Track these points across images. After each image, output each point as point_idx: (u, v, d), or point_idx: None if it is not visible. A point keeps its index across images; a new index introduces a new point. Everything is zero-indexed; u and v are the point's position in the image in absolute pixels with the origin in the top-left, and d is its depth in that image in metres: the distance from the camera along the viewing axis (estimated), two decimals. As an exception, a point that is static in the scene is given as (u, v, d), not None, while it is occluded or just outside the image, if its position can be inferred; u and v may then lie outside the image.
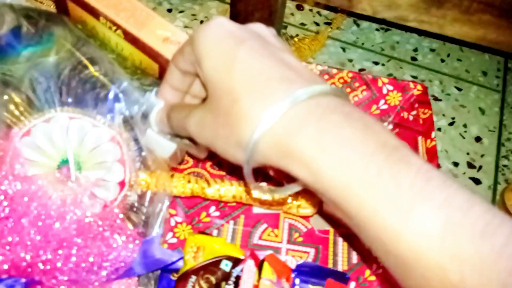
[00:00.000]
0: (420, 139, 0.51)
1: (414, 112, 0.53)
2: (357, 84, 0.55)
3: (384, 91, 0.55)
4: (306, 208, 0.49)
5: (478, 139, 0.63)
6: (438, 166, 0.47)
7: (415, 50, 0.72)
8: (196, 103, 0.36)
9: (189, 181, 0.48)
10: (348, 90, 0.55)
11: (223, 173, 0.53)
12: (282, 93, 0.25)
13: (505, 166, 0.61)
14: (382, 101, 0.55)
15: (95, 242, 0.37)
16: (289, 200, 0.49)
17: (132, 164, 0.42)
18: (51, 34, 0.44)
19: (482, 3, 0.49)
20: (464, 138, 0.63)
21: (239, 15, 0.61)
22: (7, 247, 0.35)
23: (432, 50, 0.72)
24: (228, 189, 0.49)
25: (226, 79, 0.27)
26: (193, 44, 0.29)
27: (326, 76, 0.55)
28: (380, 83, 0.54)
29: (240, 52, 0.27)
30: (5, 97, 0.39)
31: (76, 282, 0.36)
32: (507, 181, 0.59)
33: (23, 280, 0.35)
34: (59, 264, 0.35)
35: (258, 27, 0.30)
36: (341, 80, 0.55)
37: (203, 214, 0.50)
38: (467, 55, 0.72)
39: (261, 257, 0.45)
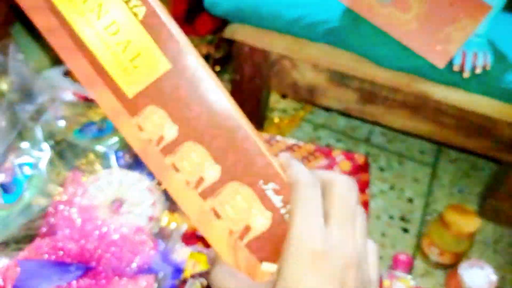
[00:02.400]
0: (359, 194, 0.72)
1: (358, 176, 0.75)
2: (317, 154, 0.77)
3: (338, 160, 0.77)
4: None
5: (410, 200, 0.84)
6: (367, 210, 0.68)
7: (370, 132, 0.95)
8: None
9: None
10: (312, 157, 0.77)
11: None
12: None
13: (429, 220, 0.81)
14: (336, 167, 0.77)
15: (131, 247, 0.58)
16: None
17: (160, 206, 0.65)
18: (109, 124, 0.71)
19: (399, 102, 0.72)
20: (400, 199, 0.84)
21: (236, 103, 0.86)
22: (78, 243, 0.56)
23: (382, 133, 0.95)
24: None
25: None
26: None
27: (296, 147, 0.77)
28: (334, 154, 0.77)
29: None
30: (89, 157, 0.65)
31: (117, 270, 0.57)
32: (428, 231, 0.79)
33: (85, 265, 0.55)
34: (108, 256, 0.56)
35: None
36: (306, 151, 0.77)
37: (200, 243, 0.71)
38: (409, 139, 0.95)
39: None
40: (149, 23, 0.31)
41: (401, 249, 0.75)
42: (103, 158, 0.70)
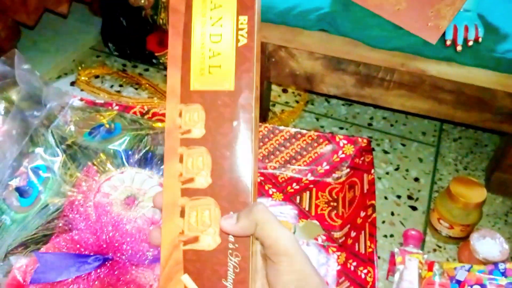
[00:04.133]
0: (365, 175, 0.73)
1: (362, 158, 0.76)
2: (321, 140, 0.79)
3: (341, 144, 0.78)
4: None
5: (416, 179, 0.85)
6: (374, 191, 0.69)
7: (371, 118, 0.96)
8: None
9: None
10: (315, 144, 0.79)
11: None
12: None
13: (436, 197, 0.82)
14: (340, 152, 0.79)
15: (145, 239, 0.60)
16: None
17: None
18: (118, 125, 0.73)
19: (396, 82, 0.74)
20: (406, 179, 0.85)
21: (238, 97, 0.87)
22: (94, 235, 0.58)
23: (384, 118, 0.96)
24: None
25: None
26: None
27: (299, 135, 0.79)
28: (337, 139, 0.78)
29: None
30: (101, 158, 0.68)
31: (133, 259, 0.58)
32: (436, 208, 0.80)
33: (102, 256, 0.57)
34: (125, 247, 0.58)
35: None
36: (310, 138, 0.79)
37: None
38: (411, 120, 0.96)
39: None
40: (242, 53, 0.38)
41: (411, 227, 0.76)
42: (114, 157, 0.73)
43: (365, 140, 0.78)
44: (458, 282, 0.67)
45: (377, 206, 0.71)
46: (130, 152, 0.72)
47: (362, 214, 0.69)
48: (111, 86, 0.99)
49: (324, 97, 1.00)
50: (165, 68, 1.02)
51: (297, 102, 0.99)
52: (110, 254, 0.58)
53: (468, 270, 0.67)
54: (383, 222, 0.78)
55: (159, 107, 0.91)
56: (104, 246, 0.57)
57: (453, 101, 0.74)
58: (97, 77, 1.01)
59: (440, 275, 0.68)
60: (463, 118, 0.76)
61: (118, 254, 0.59)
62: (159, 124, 0.77)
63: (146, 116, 0.79)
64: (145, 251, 0.60)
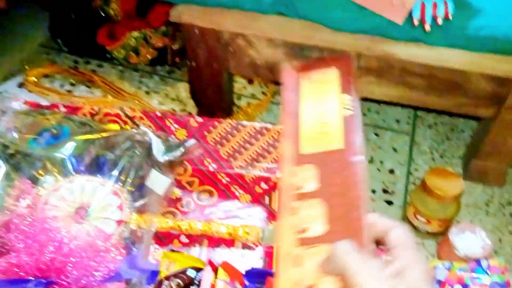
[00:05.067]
0: None
1: None
2: None
3: None
4: (252, 236, 0.66)
5: (391, 171, 0.80)
6: None
7: (342, 107, 0.90)
8: None
9: (168, 219, 0.66)
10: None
11: (190, 210, 0.70)
12: None
13: (411, 191, 0.77)
14: None
15: (93, 256, 0.54)
16: (240, 232, 0.65)
17: (128, 209, 0.61)
18: (65, 129, 0.66)
19: (362, 68, 0.68)
20: (380, 171, 0.80)
21: (196, 92, 0.81)
22: (33, 257, 0.51)
23: (356, 106, 0.91)
24: (197, 225, 0.66)
25: None
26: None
27: (265, 130, 0.72)
28: None
29: None
30: (46, 166, 0.61)
31: (79, 281, 0.52)
32: (413, 201, 0.75)
33: (44, 281, 0.50)
34: (69, 268, 0.51)
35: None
36: (277, 133, 0.72)
37: (176, 241, 0.66)
38: (384, 108, 0.90)
39: (217, 265, 0.60)
40: (348, 121, 0.43)
41: (386, 223, 0.71)
42: (62, 165, 0.66)
43: None
44: (439, 282, 0.62)
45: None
46: (79, 159, 0.65)
47: None
48: (62, 86, 0.92)
49: (292, 87, 0.94)
50: (120, 64, 0.95)
51: (264, 93, 0.93)
52: (53, 276, 0.51)
53: (449, 269, 0.62)
54: (357, 219, 0.73)
55: (112, 107, 0.84)
56: (45, 268, 0.50)
57: (425, 86, 0.68)
58: (46, 76, 0.93)
59: (418, 275, 0.63)
60: (436, 103, 0.71)
61: (62, 277, 0.52)
62: (111, 126, 0.70)
63: (97, 118, 0.72)
64: (93, 270, 0.53)
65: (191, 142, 0.71)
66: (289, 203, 0.45)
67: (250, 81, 0.95)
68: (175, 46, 0.90)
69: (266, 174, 0.75)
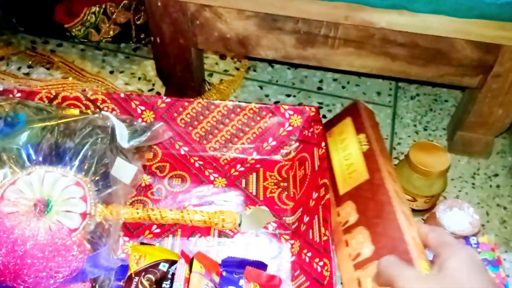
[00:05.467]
0: (315, 149, 0.64)
1: (311, 130, 0.66)
2: (264, 113, 0.68)
3: (287, 115, 0.68)
4: (229, 223, 0.61)
5: (373, 147, 0.76)
6: (326, 167, 0.59)
7: (321, 81, 0.86)
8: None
9: (137, 209, 0.61)
10: (258, 118, 0.68)
11: (162, 198, 0.66)
12: None
13: (395, 165, 0.73)
14: (287, 124, 0.68)
15: (52, 254, 0.49)
16: (216, 219, 0.61)
17: (92, 200, 0.56)
18: (21, 117, 0.60)
19: (341, 39, 0.63)
20: (362, 147, 0.76)
21: (163, 70, 0.75)
22: None
23: (335, 79, 0.86)
24: (168, 214, 0.62)
25: (459, 276, 0.39)
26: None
27: (238, 109, 0.68)
28: (282, 110, 0.68)
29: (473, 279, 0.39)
30: (1, 158, 0.57)
31: (39, 284, 0.47)
32: (397, 177, 0.72)
33: None
34: (25, 271, 0.47)
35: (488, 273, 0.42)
36: (251, 111, 0.68)
37: (147, 232, 0.62)
38: (364, 80, 0.86)
39: (191, 256, 0.56)
40: (367, 155, 0.58)
41: (370, 202, 0.67)
42: (18, 156, 0.59)
43: (313, 109, 0.68)
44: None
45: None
46: (37, 148, 0.59)
47: (315, 195, 0.59)
48: (19, 69, 0.85)
49: (267, 62, 0.88)
50: (81, 42, 0.88)
51: (238, 69, 0.87)
52: (8, 281, 0.46)
53: (436, 248, 0.59)
54: (339, 199, 0.69)
55: (74, 89, 0.78)
56: (1, 277, 0.46)
57: (407, 56, 0.64)
58: (1, 59, 0.86)
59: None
60: (419, 74, 0.67)
61: (19, 281, 0.47)
62: (70, 111, 0.64)
63: (55, 102, 0.66)
64: (54, 272, 0.48)
65: (158, 125, 0.65)
66: (341, 239, 0.54)
67: (223, 57, 0.90)
68: (139, 21, 0.83)
69: (242, 156, 0.71)
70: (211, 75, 0.86)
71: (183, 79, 0.75)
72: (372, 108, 0.82)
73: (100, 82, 0.81)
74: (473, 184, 0.72)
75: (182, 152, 0.71)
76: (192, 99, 0.68)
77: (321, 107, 0.81)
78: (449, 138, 0.77)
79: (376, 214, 0.52)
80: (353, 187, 0.58)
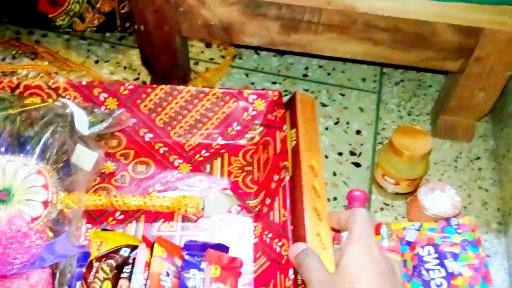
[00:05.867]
0: (277, 133, 0.64)
1: (274, 113, 0.67)
2: (228, 98, 0.68)
3: (250, 100, 0.68)
4: (192, 207, 0.62)
5: (358, 132, 0.77)
6: (286, 150, 0.60)
7: (306, 68, 0.86)
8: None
9: (99, 196, 0.61)
10: (222, 103, 0.68)
11: (125, 185, 0.66)
12: None
13: (379, 150, 0.75)
14: (251, 108, 0.69)
15: (10, 242, 0.49)
16: (179, 205, 0.61)
17: (54, 188, 0.56)
18: None
19: (324, 24, 0.64)
20: (347, 133, 0.77)
21: (149, 58, 0.75)
22: None
23: (320, 66, 0.87)
24: (131, 200, 0.62)
25: (353, 276, 0.40)
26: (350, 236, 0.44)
27: (202, 95, 0.68)
28: (245, 94, 0.68)
29: (371, 270, 0.40)
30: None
31: None
32: (381, 161, 0.73)
33: None
34: None
35: (389, 261, 0.43)
36: (215, 96, 0.68)
37: (110, 218, 0.62)
38: (349, 67, 0.87)
39: (152, 241, 0.57)
40: (294, 151, 0.61)
41: (355, 186, 0.69)
42: None
43: (276, 93, 0.68)
44: (408, 243, 0.60)
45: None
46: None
47: (276, 177, 0.60)
48: (3, 59, 0.84)
49: (253, 49, 0.89)
50: (66, 32, 0.88)
51: (223, 57, 0.87)
52: None
53: (418, 229, 0.60)
54: (325, 184, 0.70)
55: (46, 72, 0.78)
56: None
57: (390, 41, 0.64)
58: (-15, 49, 0.86)
59: (388, 237, 0.61)
60: (402, 59, 0.67)
61: None
62: (32, 100, 0.63)
63: (16, 91, 0.66)
64: (11, 258, 0.49)
65: (120, 111, 0.65)
66: None
67: (208, 45, 0.90)
68: (124, 10, 0.83)
69: (206, 141, 0.71)
70: (196, 63, 0.86)
71: (168, 67, 0.75)
72: (357, 94, 0.83)
73: (85, 72, 0.81)
74: (455, 167, 0.73)
75: (147, 139, 0.71)
76: (155, 85, 0.68)
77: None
78: (432, 123, 0.78)
79: (291, 213, 0.54)
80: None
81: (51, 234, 0.55)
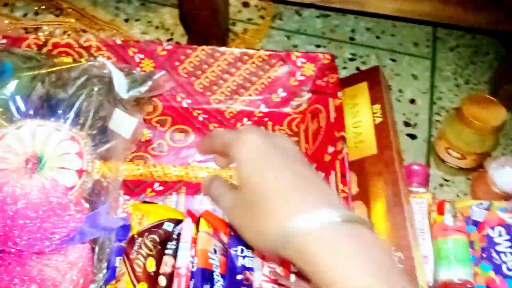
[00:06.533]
0: (330, 100, 0.58)
1: (325, 79, 0.61)
2: (274, 61, 0.62)
3: (299, 63, 0.62)
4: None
5: (412, 101, 0.71)
6: (343, 119, 0.54)
7: (353, 31, 0.80)
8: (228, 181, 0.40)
9: (137, 166, 0.56)
10: (267, 67, 0.62)
11: (163, 154, 0.61)
12: (308, 207, 0.29)
13: (437, 121, 0.69)
14: (299, 73, 0.63)
15: (47, 214, 0.44)
16: (223, 175, 0.56)
17: (89, 156, 0.51)
18: (7, 65, 0.54)
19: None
20: (400, 101, 0.71)
21: (187, 16, 0.69)
22: None
23: (368, 29, 0.80)
24: (172, 171, 0.57)
25: (259, 182, 0.32)
26: (231, 151, 0.34)
27: (246, 57, 0.62)
28: (294, 57, 0.62)
29: (271, 164, 0.32)
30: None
31: (33, 246, 0.43)
32: (439, 133, 0.67)
33: None
34: (16, 233, 0.42)
35: (282, 140, 0.35)
36: (260, 59, 0.62)
37: (148, 190, 0.58)
38: (399, 30, 0.80)
39: (198, 215, 0.52)
40: (379, 128, 0.55)
41: (411, 160, 0.63)
42: (5, 108, 0.54)
43: (327, 56, 0.61)
44: (476, 223, 0.55)
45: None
46: (27, 100, 0.54)
47: (331, 149, 0.55)
48: (25, 15, 0.78)
49: (294, 9, 0.82)
50: (92, -14, 0.81)
51: (262, 17, 0.81)
52: None
53: (488, 208, 0.55)
54: (378, 156, 0.65)
55: (72, 29, 0.72)
56: None
57: (462, 0, 0.58)
58: (5, 4, 0.79)
59: (453, 217, 0.56)
60: (469, 20, 0.61)
61: (10, 244, 0.43)
62: (62, 59, 0.57)
63: (44, 49, 0.60)
64: (49, 233, 0.44)
65: (160, 73, 0.60)
66: None
67: (246, 4, 0.83)
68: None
69: (249, 108, 0.65)
70: (233, 24, 0.80)
71: (207, 26, 0.69)
72: (409, 60, 0.76)
73: (115, 31, 0.75)
74: (519, 141, 0.67)
75: (185, 104, 0.65)
76: (195, 46, 0.62)
77: (354, 59, 0.76)
78: (492, 93, 0.72)
79: (380, 193, 0.51)
80: (357, 158, 0.55)
81: (87, 206, 0.50)
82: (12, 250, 0.41)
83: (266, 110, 0.65)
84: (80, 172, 0.50)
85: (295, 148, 0.36)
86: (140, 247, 0.50)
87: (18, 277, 0.39)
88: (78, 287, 0.43)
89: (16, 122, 0.52)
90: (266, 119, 0.65)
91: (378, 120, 0.57)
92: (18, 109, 0.53)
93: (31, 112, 0.53)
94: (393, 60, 0.76)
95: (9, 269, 0.40)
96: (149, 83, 0.58)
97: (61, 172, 0.50)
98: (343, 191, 0.50)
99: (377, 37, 0.79)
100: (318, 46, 0.77)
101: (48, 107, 0.54)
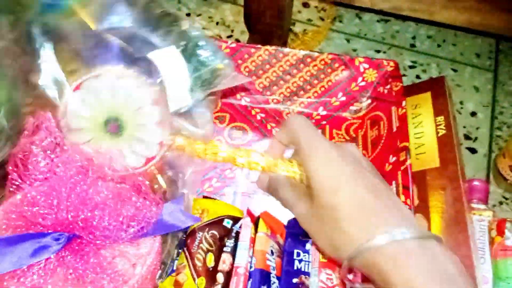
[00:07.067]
0: (393, 108, 0.58)
1: (388, 86, 0.60)
2: (336, 65, 0.62)
3: (361, 69, 0.61)
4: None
5: (473, 114, 0.70)
6: (407, 130, 0.53)
7: (413, 37, 0.78)
8: (299, 185, 0.39)
9: (220, 147, 0.54)
10: (329, 70, 0.62)
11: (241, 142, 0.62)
12: (382, 227, 0.30)
13: (498, 136, 0.67)
14: (360, 79, 0.62)
15: (125, 205, 0.43)
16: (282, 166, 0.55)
17: (168, 126, 0.44)
18: None
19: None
20: (460, 113, 0.70)
21: (252, 15, 0.69)
22: (54, 209, 0.41)
23: (429, 37, 0.79)
24: (258, 159, 0.52)
25: (333, 196, 0.32)
26: (303, 156, 0.35)
27: (309, 59, 0.61)
28: (357, 62, 0.61)
29: (344, 178, 0.32)
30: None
31: (108, 237, 0.42)
32: (500, 149, 0.66)
33: (66, 234, 0.41)
34: (94, 223, 0.41)
35: (352, 150, 0.35)
36: (322, 62, 0.62)
37: (206, 185, 0.58)
38: (461, 39, 0.78)
39: (256, 215, 0.52)
40: (442, 141, 0.54)
41: (471, 175, 0.62)
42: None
43: (392, 63, 0.60)
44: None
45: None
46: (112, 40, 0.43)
47: (392, 159, 0.54)
48: None
49: (354, 12, 0.81)
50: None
51: (322, 19, 0.80)
52: (77, 232, 0.41)
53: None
54: (436, 168, 0.64)
55: None
56: (66, 222, 0.40)
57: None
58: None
59: (514, 236, 0.55)
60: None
61: (86, 232, 0.42)
62: None
63: None
64: (125, 225, 0.42)
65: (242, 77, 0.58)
66: None
67: (305, 4, 0.83)
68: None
69: (307, 110, 0.65)
70: (293, 24, 0.80)
71: (271, 26, 0.69)
72: (470, 71, 0.74)
73: (177, 24, 0.76)
74: None
75: (243, 102, 0.66)
76: (259, 46, 0.62)
77: (415, 66, 0.75)
78: (556, 110, 0.70)
79: (441, 208, 0.51)
80: (417, 170, 0.55)
81: (164, 186, 0.48)
82: (90, 237, 0.41)
83: (324, 113, 0.65)
84: (161, 145, 0.44)
85: (364, 157, 0.36)
86: (201, 242, 0.51)
87: (92, 267, 0.40)
88: (146, 281, 0.44)
89: (95, 68, 0.42)
90: (324, 122, 0.65)
91: (442, 132, 0.56)
92: (94, 49, 0.43)
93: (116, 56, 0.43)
94: (454, 70, 0.74)
95: (85, 258, 0.40)
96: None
97: (141, 141, 0.43)
98: (405, 203, 0.49)
99: (438, 46, 0.77)
100: (378, 51, 0.77)
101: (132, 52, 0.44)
